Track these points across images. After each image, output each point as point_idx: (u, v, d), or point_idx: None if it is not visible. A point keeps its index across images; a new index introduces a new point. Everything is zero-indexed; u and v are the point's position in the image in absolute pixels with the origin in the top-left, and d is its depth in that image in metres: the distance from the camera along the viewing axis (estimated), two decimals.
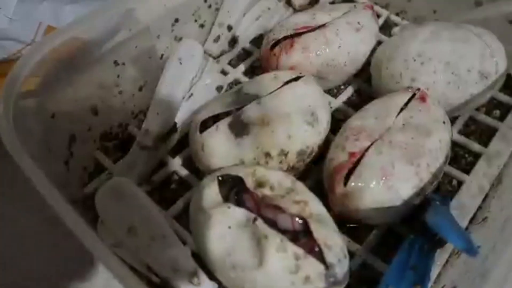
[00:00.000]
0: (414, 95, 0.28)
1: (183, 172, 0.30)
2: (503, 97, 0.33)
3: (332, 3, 0.41)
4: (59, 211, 0.21)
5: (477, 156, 0.30)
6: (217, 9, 0.37)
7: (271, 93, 0.28)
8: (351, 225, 0.26)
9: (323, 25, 0.33)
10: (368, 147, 0.25)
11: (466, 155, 0.31)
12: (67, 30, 0.29)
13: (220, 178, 0.24)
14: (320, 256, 0.21)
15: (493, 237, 0.21)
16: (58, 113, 0.29)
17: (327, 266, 0.21)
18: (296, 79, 0.29)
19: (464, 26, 0.31)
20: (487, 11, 0.36)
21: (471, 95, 0.30)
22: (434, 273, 0.24)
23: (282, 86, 0.28)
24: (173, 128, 0.31)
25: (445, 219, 0.21)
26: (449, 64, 0.30)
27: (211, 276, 0.23)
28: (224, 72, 0.36)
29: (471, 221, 0.27)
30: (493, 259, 0.19)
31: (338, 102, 0.34)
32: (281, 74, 0.30)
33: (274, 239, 0.21)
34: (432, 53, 0.30)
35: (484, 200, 0.28)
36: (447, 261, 0.25)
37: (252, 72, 0.37)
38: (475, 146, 0.31)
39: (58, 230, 0.22)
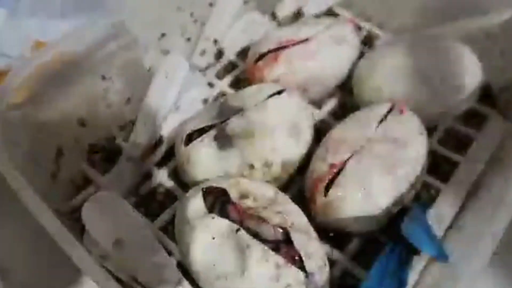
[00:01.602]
0: (392, 107, 0.29)
1: (169, 184, 0.31)
2: (480, 107, 0.35)
3: (317, 16, 0.42)
4: (45, 224, 0.21)
5: (455, 165, 0.31)
6: (203, 24, 0.38)
7: (255, 106, 0.29)
8: (333, 234, 0.27)
9: (306, 39, 0.34)
10: (348, 159, 0.26)
11: (445, 164, 0.32)
12: (57, 45, 0.30)
13: (204, 190, 0.25)
14: (300, 265, 0.22)
15: (466, 243, 0.22)
16: (45, 126, 0.29)
17: (307, 274, 0.21)
18: (280, 92, 0.30)
19: (440, 39, 0.33)
20: (464, 25, 0.37)
21: (448, 106, 0.31)
22: (412, 279, 0.25)
23: (266, 99, 0.29)
24: (160, 140, 0.31)
25: (418, 227, 0.22)
26: (426, 77, 0.31)
27: (196, 286, 0.23)
28: (210, 84, 0.37)
29: (448, 228, 0.28)
30: (463, 264, 0.19)
31: (322, 113, 0.35)
32: (265, 87, 0.31)
33: (256, 248, 0.21)
34: (409, 67, 0.31)
35: (461, 208, 0.29)
36: (425, 268, 0.26)
37: (238, 84, 0.38)
38: (453, 155, 0.32)
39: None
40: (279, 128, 0.28)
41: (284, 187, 0.29)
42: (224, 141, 0.28)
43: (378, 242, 0.27)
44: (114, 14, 0.32)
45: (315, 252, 0.22)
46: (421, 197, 0.30)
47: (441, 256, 0.20)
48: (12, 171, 0.22)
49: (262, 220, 0.23)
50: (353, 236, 0.27)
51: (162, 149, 0.32)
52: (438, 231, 0.27)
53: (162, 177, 0.31)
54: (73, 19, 0.36)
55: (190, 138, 0.28)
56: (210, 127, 0.28)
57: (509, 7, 0.33)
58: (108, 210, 0.23)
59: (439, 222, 0.28)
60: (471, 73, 0.31)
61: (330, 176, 0.25)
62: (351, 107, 0.35)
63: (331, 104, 0.36)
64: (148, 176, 0.31)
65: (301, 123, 0.29)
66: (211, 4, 0.37)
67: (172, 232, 0.26)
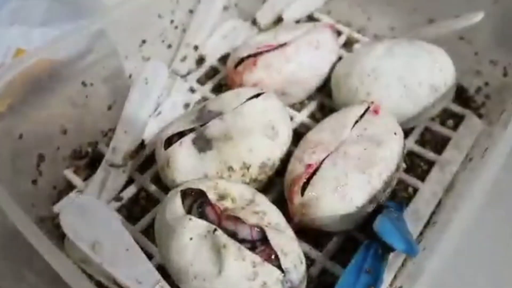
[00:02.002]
0: (368, 108, 0.30)
1: (151, 188, 0.31)
2: (456, 108, 0.35)
3: (297, 22, 0.43)
4: (23, 230, 0.21)
5: (431, 164, 0.32)
6: (184, 30, 0.38)
7: (233, 109, 0.29)
8: (312, 234, 0.27)
9: (285, 44, 0.34)
10: (324, 159, 0.27)
11: (422, 164, 0.32)
12: (37, 53, 0.30)
13: (183, 191, 0.25)
14: (277, 263, 0.22)
15: (438, 238, 0.22)
16: (26, 133, 0.29)
17: (283, 272, 0.22)
18: (257, 95, 0.30)
19: (415, 42, 0.33)
20: (439, 28, 0.38)
21: (423, 106, 0.32)
22: (389, 275, 0.25)
23: (244, 102, 0.30)
24: (141, 145, 0.32)
25: (389, 224, 0.23)
26: (401, 78, 0.31)
27: (175, 287, 0.24)
28: (192, 90, 0.38)
29: (426, 225, 0.28)
30: (431, 258, 0.20)
31: (302, 116, 0.36)
32: (243, 91, 0.31)
33: (233, 248, 0.22)
34: (385, 69, 0.32)
35: (437, 205, 0.30)
36: (402, 264, 0.26)
37: (220, 89, 0.38)
38: (430, 155, 0.32)
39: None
40: (257, 130, 0.28)
41: (265, 189, 0.30)
42: (203, 144, 0.28)
43: (357, 240, 0.28)
44: (95, 22, 0.32)
45: (291, 250, 0.23)
46: (398, 195, 0.30)
47: (411, 250, 0.20)
48: None
49: (240, 220, 0.24)
50: (332, 235, 0.28)
51: (144, 153, 0.32)
52: (416, 228, 0.28)
53: (144, 181, 0.31)
54: (55, 28, 0.37)
55: (170, 141, 0.29)
56: (189, 131, 0.29)
57: (480, 11, 0.34)
58: (86, 213, 0.23)
59: (417, 219, 0.29)
60: (445, 74, 0.32)
61: (306, 176, 0.26)
62: (330, 109, 0.35)
63: (310, 107, 0.36)
64: (130, 180, 0.32)
65: (278, 125, 0.29)
66: (191, 11, 0.38)
67: (154, 235, 0.26)
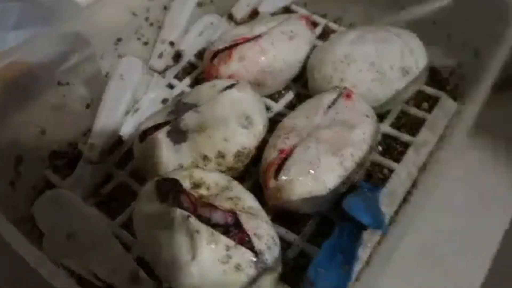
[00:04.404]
0: (341, 93, 0.30)
1: (130, 182, 0.31)
2: (430, 90, 0.36)
3: (273, 15, 0.43)
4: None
5: (407, 146, 0.32)
6: (159, 27, 0.38)
7: (208, 101, 0.30)
8: (288, 217, 0.28)
9: (259, 36, 0.35)
10: (297, 144, 0.27)
11: (397, 146, 0.33)
12: (10, 54, 0.30)
13: (158, 181, 0.25)
14: (250, 245, 0.22)
15: (410, 215, 0.23)
16: (3, 135, 0.30)
17: (256, 253, 0.22)
18: (231, 86, 0.31)
19: (385, 28, 0.34)
20: (413, 13, 0.39)
21: (396, 90, 0.32)
22: (365, 253, 0.26)
23: (218, 93, 0.30)
24: (118, 141, 0.32)
25: (358, 201, 0.23)
26: (373, 64, 0.32)
27: (152, 275, 0.24)
28: (171, 86, 0.38)
29: (401, 204, 0.29)
30: (403, 234, 0.20)
31: (279, 106, 0.36)
32: (218, 82, 0.32)
33: (205, 233, 0.22)
34: (357, 55, 0.32)
35: (412, 185, 0.30)
36: (378, 243, 0.27)
37: (197, 84, 0.38)
38: (405, 137, 0.33)
39: None
40: (231, 120, 0.29)
41: (241, 177, 0.30)
42: (178, 136, 0.28)
43: (333, 222, 0.28)
44: (70, 23, 0.32)
45: (265, 233, 0.23)
46: (374, 176, 0.31)
47: (378, 225, 0.21)
48: None
49: (214, 206, 0.24)
50: (308, 218, 0.28)
51: (122, 149, 0.32)
52: (391, 207, 0.28)
53: (122, 176, 0.32)
54: (29, 30, 0.37)
55: (146, 135, 0.29)
56: (164, 124, 0.29)
57: None
58: (58, 206, 0.23)
59: (392, 199, 0.29)
60: (416, 56, 0.33)
61: (279, 161, 0.26)
62: (306, 99, 0.36)
63: (287, 97, 0.37)
64: (109, 176, 0.32)
65: (253, 115, 0.30)
66: (165, 8, 0.38)
67: (133, 229, 0.27)
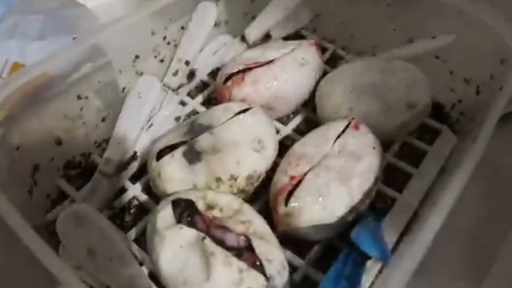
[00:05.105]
0: (349, 123, 0.32)
1: (143, 197, 0.32)
2: (432, 123, 0.38)
3: (284, 39, 0.45)
4: (21, 235, 0.22)
5: (409, 176, 0.34)
6: (176, 46, 0.40)
7: (222, 123, 0.31)
8: (295, 242, 0.29)
9: (272, 61, 0.36)
10: (307, 171, 0.28)
11: (400, 176, 0.34)
12: (35, 67, 0.31)
13: (173, 201, 0.26)
14: (261, 269, 0.23)
15: (409, 246, 0.24)
16: (23, 144, 0.31)
17: (267, 278, 0.23)
18: (245, 110, 0.32)
19: (393, 61, 0.36)
20: (417, 47, 0.40)
21: (401, 122, 0.34)
22: (367, 281, 0.27)
23: (233, 117, 0.31)
24: (133, 156, 0.33)
25: (365, 232, 0.24)
26: (380, 96, 0.33)
27: None
28: (183, 103, 0.39)
29: (402, 234, 0.30)
30: (402, 264, 0.22)
31: (288, 129, 0.37)
32: (232, 105, 0.33)
33: (220, 255, 0.23)
34: (365, 86, 0.34)
35: (413, 215, 0.31)
36: (380, 271, 0.28)
37: (209, 102, 0.40)
38: (407, 167, 0.34)
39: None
40: (244, 143, 0.30)
41: (251, 200, 0.31)
42: (193, 156, 0.30)
43: (338, 249, 0.29)
44: (91, 38, 0.34)
45: (275, 257, 0.24)
46: (377, 206, 0.32)
47: (383, 257, 0.22)
48: None
49: (227, 229, 0.25)
50: (314, 244, 0.29)
51: (136, 164, 0.33)
52: (393, 237, 0.30)
53: (135, 191, 0.33)
54: (50, 42, 0.38)
55: (161, 154, 0.30)
56: (180, 144, 0.30)
57: (454, 32, 0.36)
58: (81, 221, 0.24)
59: (394, 228, 0.30)
60: (421, 91, 0.34)
61: (290, 188, 0.28)
62: (314, 123, 0.37)
63: (296, 121, 0.38)
64: (123, 190, 0.33)
65: (265, 139, 0.31)
66: (183, 28, 0.40)
67: (145, 243, 0.28)
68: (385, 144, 0.35)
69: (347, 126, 0.31)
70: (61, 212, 0.26)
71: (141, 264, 0.28)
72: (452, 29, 0.37)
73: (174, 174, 0.29)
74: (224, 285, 0.23)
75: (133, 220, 0.31)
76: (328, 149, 0.30)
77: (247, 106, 0.32)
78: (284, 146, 0.34)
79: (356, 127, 0.31)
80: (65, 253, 0.26)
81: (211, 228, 0.26)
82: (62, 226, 0.24)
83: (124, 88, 0.37)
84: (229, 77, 0.36)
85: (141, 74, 0.38)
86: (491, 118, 0.29)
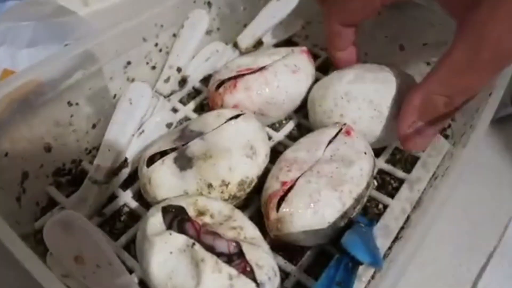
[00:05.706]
0: (341, 129, 0.32)
1: (133, 204, 0.32)
2: None
3: (276, 46, 0.45)
4: (7, 243, 0.22)
5: (401, 182, 0.34)
6: (167, 53, 0.40)
7: (213, 129, 0.31)
8: (287, 248, 0.29)
9: (264, 67, 0.36)
10: (298, 177, 0.28)
11: (392, 181, 0.34)
12: (25, 74, 0.31)
13: (164, 208, 0.26)
14: (251, 275, 0.23)
15: (401, 252, 0.24)
16: (12, 151, 0.30)
17: (258, 284, 0.23)
18: (237, 116, 0.32)
19: (384, 68, 0.36)
20: (409, 55, 0.41)
21: (393, 128, 0.34)
22: (359, 287, 0.27)
23: (224, 123, 0.31)
24: (124, 163, 0.33)
25: (356, 238, 0.24)
26: (372, 102, 0.33)
27: None
28: (174, 110, 0.39)
29: (394, 240, 0.30)
30: (394, 269, 0.22)
31: (280, 135, 0.37)
32: (223, 112, 0.33)
33: (210, 261, 0.23)
34: (357, 93, 0.34)
35: (406, 221, 0.31)
36: (372, 277, 0.28)
37: (201, 109, 0.40)
38: (399, 173, 0.34)
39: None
40: (236, 149, 0.30)
41: (243, 205, 0.31)
42: (184, 162, 0.29)
43: (330, 255, 0.29)
44: (82, 44, 0.33)
45: (266, 263, 0.24)
46: (369, 211, 0.32)
47: (375, 263, 0.22)
48: None
49: (217, 235, 0.25)
50: (306, 250, 0.29)
51: (127, 171, 0.33)
52: (385, 242, 0.30)
53: (126, 198, 0.32)
54: (41, 49, 0.38)
55: (152, 160, 0.30)
56: (171, 150, 0.30)
57: (444, 40, 0.37)
58: (69, 228, 0.24)
59: (386, 234, 0.30)
60: None
61: (282, 193, 0.27)
62: (306, 129, 0.37)
63: (288, 127, 0.38)
64: (113, 197, 0.33)
65: (257, 145, 0.31)
66: (174, 35, 0.40)
67: (135, 250, 0.27)
68: (377, 150, 0.35)
69: (338, 132, 0.31)
70: (49, 219, 0.26)
71: (130, 271, 0.27)
72: (443, 36, 0.37)
73: (165, 181, 0.29)
74: None
75: (124, 227, 0.31)
76: (319, 154, 0.30)
77: (239, 112, 0.32)
78: (276, 152, 0.34)
79: (348, 133, 0.31)
80: (53, 261, 0.25)
81: (201, 234, 0.25)
82: (49, 234, 0.24)
83: (115, 95, 0.37)
84: (221, 84, 0.36)
85: (133, 80, 0.37)
86: (481, 123, 0.30)
